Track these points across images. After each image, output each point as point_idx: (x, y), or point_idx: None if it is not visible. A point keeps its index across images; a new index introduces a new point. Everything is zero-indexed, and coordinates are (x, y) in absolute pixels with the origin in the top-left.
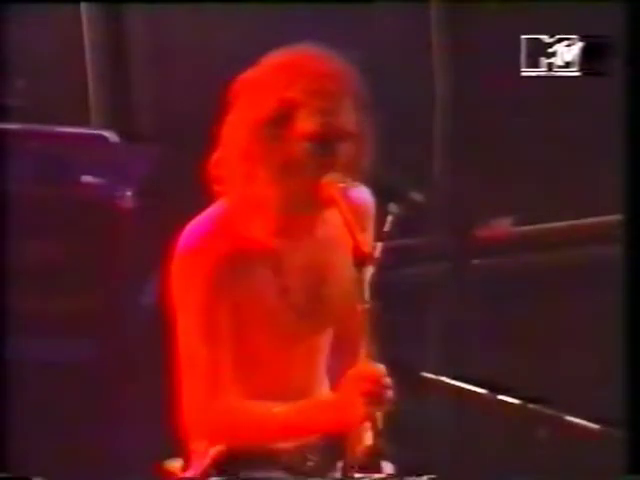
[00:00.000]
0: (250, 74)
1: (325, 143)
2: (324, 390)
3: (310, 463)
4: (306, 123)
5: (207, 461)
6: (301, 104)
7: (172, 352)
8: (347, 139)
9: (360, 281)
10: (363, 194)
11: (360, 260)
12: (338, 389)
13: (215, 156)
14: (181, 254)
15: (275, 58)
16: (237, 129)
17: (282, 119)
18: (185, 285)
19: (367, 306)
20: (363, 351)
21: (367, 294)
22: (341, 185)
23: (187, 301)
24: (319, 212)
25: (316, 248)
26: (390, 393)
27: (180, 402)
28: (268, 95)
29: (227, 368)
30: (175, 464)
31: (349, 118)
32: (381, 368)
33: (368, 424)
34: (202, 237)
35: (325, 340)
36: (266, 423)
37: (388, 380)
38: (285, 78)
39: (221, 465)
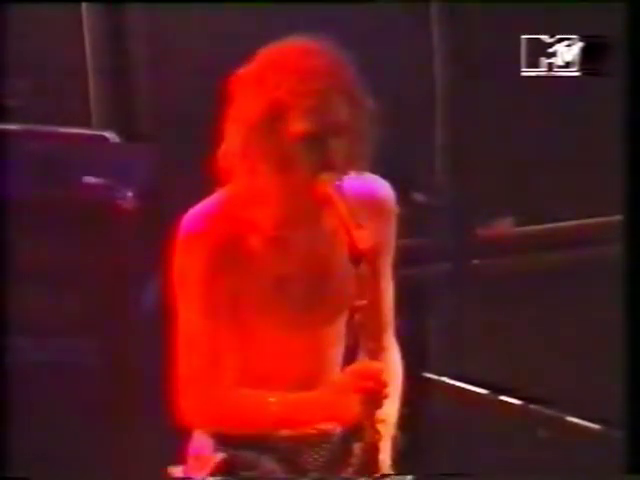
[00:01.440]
0: (244, 71)
1: (317, 141)
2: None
3: (310, 459)
4: (296, 124)
5: (209, 469)
6: (290, 105)
7: (173, 351)
8: (340, 134)
9: (357, 278)
10: (369, 186)
11: (356, 257)
12: (336, 384)
13: (219, 151)
14: (183, 235)
15: (265, 55)
16: (235, 127)
17: (274, 119)
18: (186, 266)
19: (364, 303)
20: (362, 348)
21: (364, 290)
22: (336, 182)
23: (187, 282)
24: (320, 206)
25: (318, 240)
26: (387, 392)
27: (179, 387)
28: (259, 95)
29: (227, 352)
30: (177, 470)
31: (340, 113)
32: (379, 366)
33: (367, 422)
34: (205, 219)
35: (333, 332)
36: (261, 412)
37: (386, 378)
38: (273, 78)
39: (223, 471)
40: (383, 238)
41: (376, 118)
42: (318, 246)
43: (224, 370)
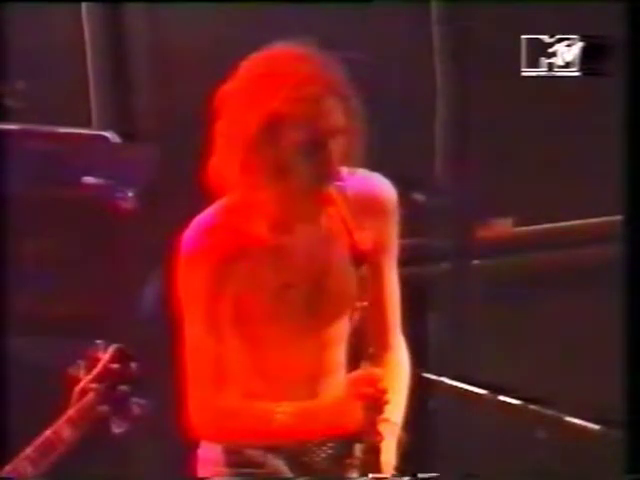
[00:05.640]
0: (230, 85)
1: (316, 146)
2: (339, 379)
3: (317, 459)
4: (293, 132)
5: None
6: (286, 113)
7: (173, 352)
8: (337, 136)
9: (358, 279)
10: (370, 185)
11: (358, 258)
12: (338, 392)
13: (211, 165)
14: (184, 251)
15: (252, 66)
16: (229, 142)
17: (272, 129)
18: (189, 281)
19: (365, 304)
20: (363, 353)
21: (365, 292)
22: (337, 183)
23: (191, 297)
24: (319, 209)
25: (318, 243)
26: (387, 398)
27: (185, 398)
28: (253, 108)
29: (232, 362)
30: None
31: (336, 115)
32: (380, 372)
33: (369, 426)
34: (205, 233)
35: (336, 333)
36: (268, 423)
37: (386, 384)
38: (266, 89)
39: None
40: (384, 237)
41: (365, 116)
42: (317, 250)
43: (230, 382)
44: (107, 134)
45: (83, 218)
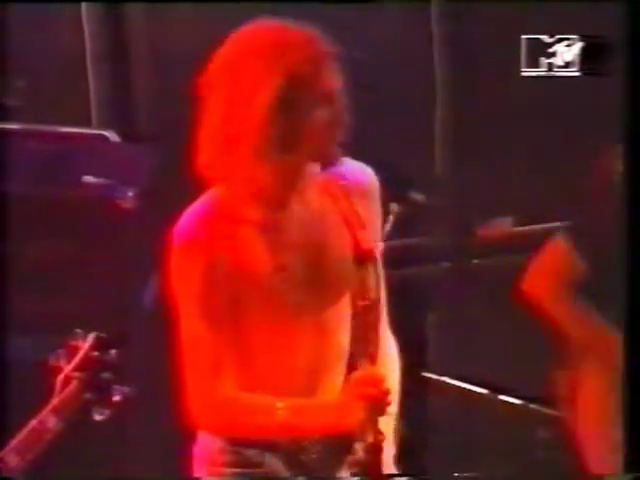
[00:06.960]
0: (221, 63)
1: (337, 104)
2: (342, 367)
3: (313, 456)
4: (326, 82)
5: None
6: (297, 75)
7: (173, 350)
8: (338, 98)
9: (359, 278)
10: (352, 171)
11: (360, 257)
12: (339, 391)
13: (204, 148)
14: (178, 242)
15: (249, 38)
16: (231, 120)
17: (287, 94)
18: (184, 273)
19: (367, 303)
20: (363, 353)
21: (368, 291)
22: (341, 183)
23: (186, 289)
24: (313, 190)
25: (312, 224)
26: (390, 398)
27: (184, 392)
28: (265, 76)
29: (230, 356)
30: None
31: (338, 75)
32: (381, 372)
33: (370, 426)
34: (197, 225)
35: (336, 316)
36: (268, 418)
37: (388, 385)
38: (267, 59)
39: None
40: (369, 221)
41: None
42: (312, 231)
43: (229, 373)
44: (107, 134)
45: (83, 217)
